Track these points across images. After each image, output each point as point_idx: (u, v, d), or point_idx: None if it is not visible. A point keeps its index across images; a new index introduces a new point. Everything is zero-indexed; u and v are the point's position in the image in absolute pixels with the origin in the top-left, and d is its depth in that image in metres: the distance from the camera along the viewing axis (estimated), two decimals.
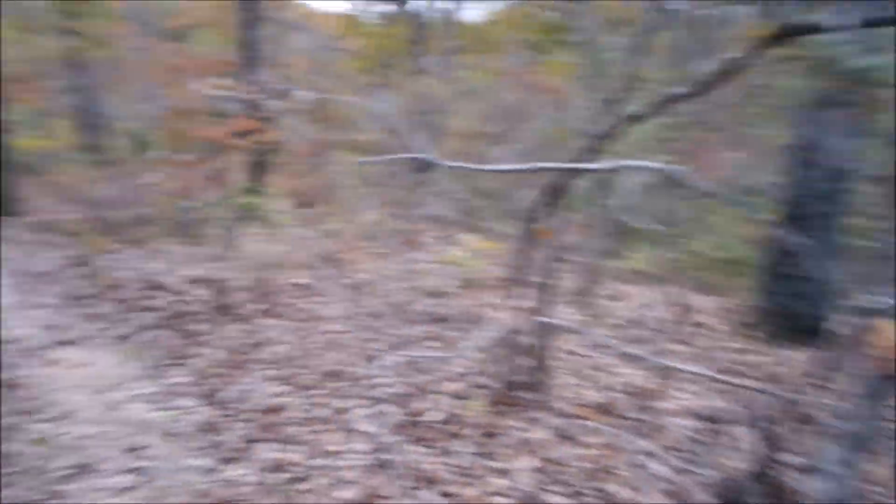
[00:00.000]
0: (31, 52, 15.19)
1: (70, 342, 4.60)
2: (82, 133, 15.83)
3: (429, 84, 12.41)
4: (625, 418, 3.72)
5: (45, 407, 3.70)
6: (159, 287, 5.55)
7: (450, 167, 1.97)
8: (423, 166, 12.32)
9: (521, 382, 3.79)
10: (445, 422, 3.52)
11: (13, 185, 9.74)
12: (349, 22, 16.25)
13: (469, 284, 5.76)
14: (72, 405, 3.72)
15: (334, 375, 4.03)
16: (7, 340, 4.66)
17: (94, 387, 3.93)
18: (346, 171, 11.32)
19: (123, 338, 4.60)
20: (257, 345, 4.39)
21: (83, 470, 3.14)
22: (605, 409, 3.80)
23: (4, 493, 2.96)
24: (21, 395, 3.79)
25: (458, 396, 3.72)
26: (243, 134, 7.08)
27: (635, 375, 4.26)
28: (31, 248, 7.82)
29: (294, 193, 10.42)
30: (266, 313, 4.85)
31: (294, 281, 5.83)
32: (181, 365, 4.09)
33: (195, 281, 5.65)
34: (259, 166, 9.58)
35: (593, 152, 2.73)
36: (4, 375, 3.92)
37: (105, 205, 9.06)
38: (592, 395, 3.97)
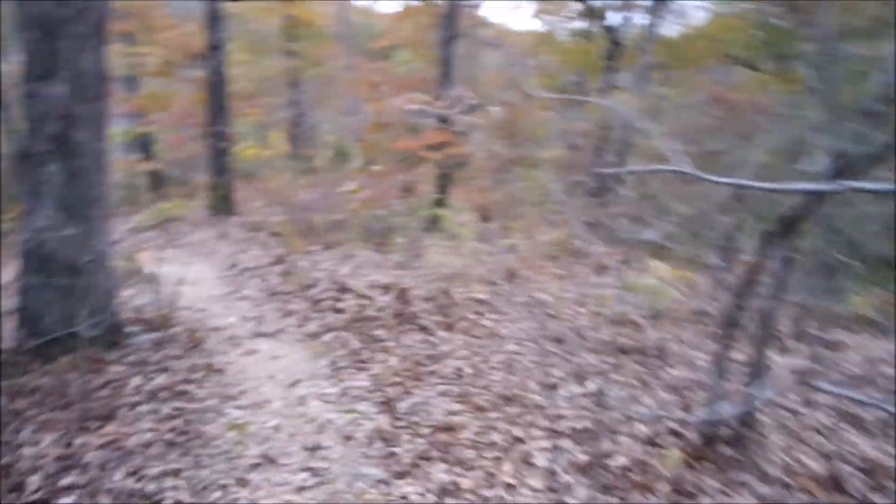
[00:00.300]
0: (257, 72, 17.10)
1: (266, 334, 4.88)
2: (292, 144, 17.45)
3: (623, 100, 11.88)
4: (853, 497, 3.06)
5: (240, 394, 3.92)
6: (347, 290, 5.74)
7: (714, 181, 1.63)
8: (604, 186, 11.79)
9: (723, 435, 3.28)
10: (631, 469, 3.13)
11: (232, 189, 10.85)
12: (542, 39, 16.20)
13: (659, 315, 5.25)
14: (263, 396, 3.90)
15: (511, 400, 3.80)
16: (217, 328, 5.06)
17: (283, 380, 4.10)
18: (530, 188, 11.19)
19: (313, 335, 4.78)
20: (434, 357, 4.31)
21: (267, 461, 3.23)
22: (827, 483, 3.15)
23: (200, 473, 3.12)
24: (222, 381, 4.06)
25: (648, 442, 3.30)
26: (436, 147, 7.21)
27: (867, 445, 3.51)
28: (242, 244, 8.61)
29: (477, 207, 10.48)
30: (445, 326, 4.78)
31: (473, 295, 5.73)
32: (362, 369, 4.13)
33: (380, 287, 5.77)
34: (446, 179, 9.74)
35: (852, 174, 2.23)
36: (212, 360, 4.24)
37: (306, 209, 9.77)
38: (811, 463, 3.33)
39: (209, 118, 10.54)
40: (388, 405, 3.75)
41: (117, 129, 16.67)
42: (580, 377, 4.06)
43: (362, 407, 3.76)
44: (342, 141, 18.64)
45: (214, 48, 10.20)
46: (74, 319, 4.08)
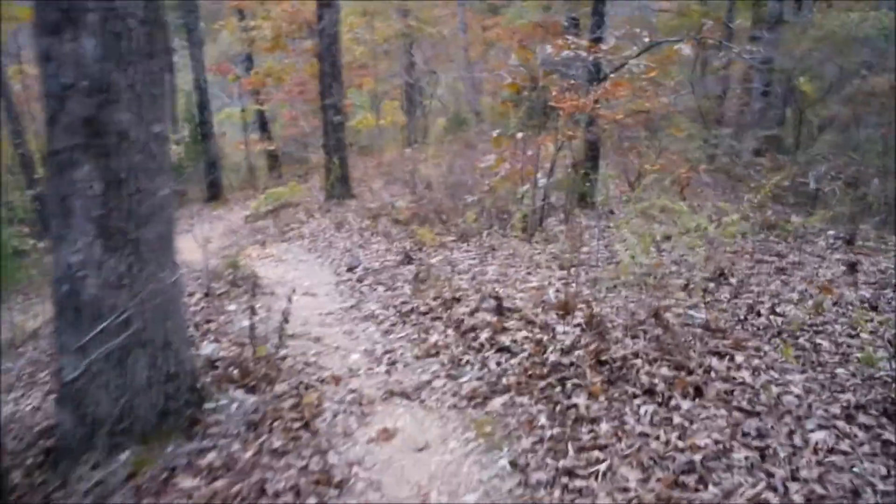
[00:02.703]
0: (371, 37, 15.59)
1: (405, 394, 3.26)
2: (408, 112, 15.90)
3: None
4: None
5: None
6: (505, 309, 4.02)
7: None
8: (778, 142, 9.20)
9: None
10: None
11: (348, 168, 9.43)
12: None
13: None
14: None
15: None
16: (336, 376, 3.53)
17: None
18: (693, 148, 8.83)
19: (473, 398, 3.10)
20: (693, 469, 2.43)
21: None
22: None
23: None
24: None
25: None
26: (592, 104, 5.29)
27: None
28: (362, 236, 7.14)
29: (628, 175, 8.36)
30: (683, 387, 2.90)
31: (698, 319, 3.81)
32: (572, 488, 2.38)
33: (554, 307, 3.99)
34: (596, 145, 7.69)
35: None
36: (329, 461, 2.66)
37: (431, 188, 8.14)
38: None
39: (322, 91, 9.11)
40: None
41: (231, 111, 15.90)
42: None
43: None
44: (460, 106, 16.84)
45: (325, 15, 8.67)
46: (130, 400, 2.65)
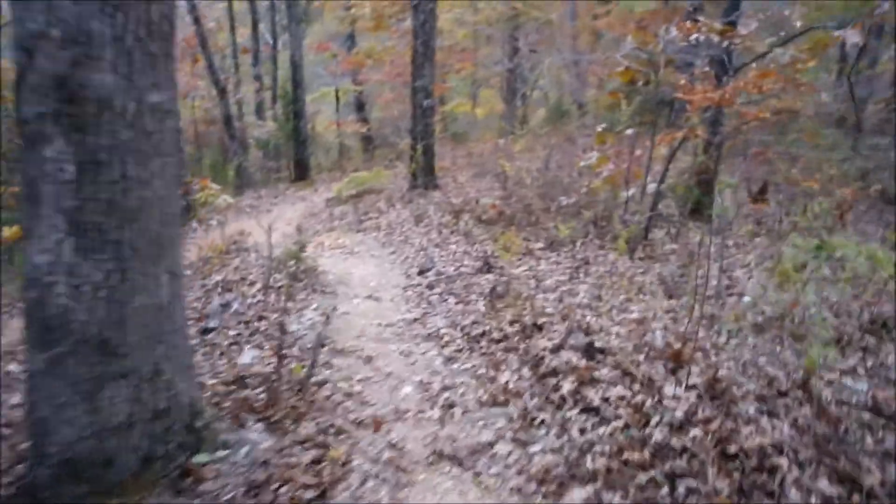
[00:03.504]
0: (472, 20, 14.80)
1: (463, 464, 2.50)
2: (507, 102, 15.00)
3: None
4: None
5: None
6: (597, 351, 3.17)
7: None
8: None
9: None
10: None
11: (434, 157, 8.72)
12: None
13: None
14: None
15: None
16: (378, 416, 2.82)
17: None
18: (841, 164, 7.38)
19: (549, 483, 2.29)
20: None
21: None
22: None
23: None
24: None
25: None
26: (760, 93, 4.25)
27: None
28: (441, 233, 6.42)
29: (752, 183, 7.11)
30: None
31: (846, 382, 2.81)
32: None
33: (659, 352, 3.09)
34: (718, 146, 6.53)
35: None
36: None
37: (524, 186, 7.29)
38: None
39: (414, 71, 8.45)
40: None
41: (327, 90, 15.63)
42: None
43: None
44: (561, 97, 15.74)
45: None
46: (103, 441, 2.06)
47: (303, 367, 3.14)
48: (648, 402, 2.61)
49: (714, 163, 6.41)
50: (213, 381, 3.22)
